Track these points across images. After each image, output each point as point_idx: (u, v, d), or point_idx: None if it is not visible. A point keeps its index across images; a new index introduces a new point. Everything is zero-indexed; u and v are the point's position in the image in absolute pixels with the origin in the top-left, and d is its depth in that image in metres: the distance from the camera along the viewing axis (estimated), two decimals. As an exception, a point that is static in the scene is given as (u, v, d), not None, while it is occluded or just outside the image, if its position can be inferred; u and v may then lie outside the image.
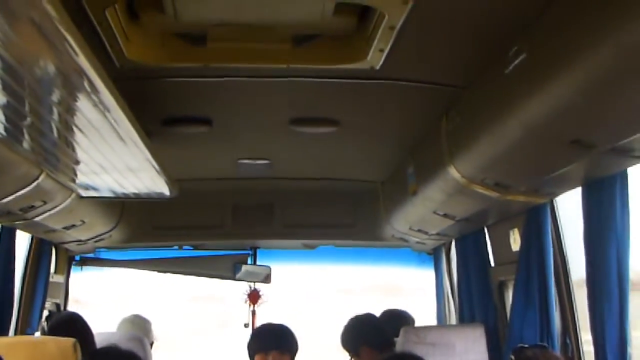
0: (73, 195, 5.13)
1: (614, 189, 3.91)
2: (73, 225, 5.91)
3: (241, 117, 4.78)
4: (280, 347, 5.66)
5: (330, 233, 7.44)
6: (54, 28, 2.48)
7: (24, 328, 6.24)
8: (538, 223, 4.82)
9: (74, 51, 2.68)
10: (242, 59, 3.80)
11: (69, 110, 3.37)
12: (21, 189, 4.42)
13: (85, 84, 3.01)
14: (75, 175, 4.64)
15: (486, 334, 5.67)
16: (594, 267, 4.06)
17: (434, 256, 7.65)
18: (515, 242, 5.32)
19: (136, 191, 5.22)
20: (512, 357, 4.40)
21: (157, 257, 7.88)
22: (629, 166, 3.79)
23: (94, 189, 5.09)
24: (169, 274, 8.05)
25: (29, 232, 6.08)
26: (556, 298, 4.86)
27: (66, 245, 7.02)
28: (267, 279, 7.91)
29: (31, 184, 4.42)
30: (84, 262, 7.68)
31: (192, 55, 3.77)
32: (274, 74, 4.00)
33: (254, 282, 7.92)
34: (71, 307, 7.66)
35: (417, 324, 7.07)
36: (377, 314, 6.64)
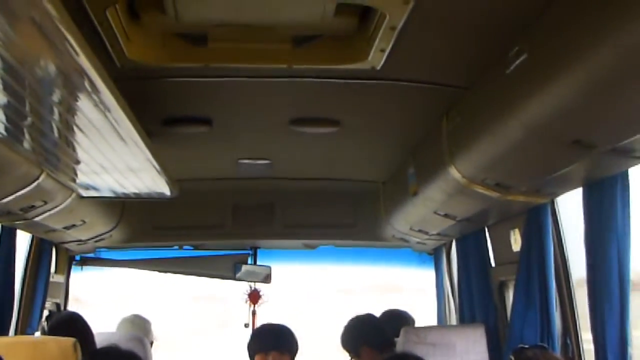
0: (73, 195, 5.13)
1: (615, 189, 3.91)
2: (73, 225, 5.91)
3: (242, 117, 4.78)
4: (280, 347, 5.66)
5: (331, 233, 7.44)
6: (55, 28, 2.48)
7: (24, 328, 6.24)
8: (539, 223, 4.81)
9: (75, 51, 2.68)
10: (242, 59, 3.80)
11: (69, 110, 3.37)
12: (21, 189, 4.42)
13: (86, 83, 3.01)
14: (76, 175, 4.64)
15: (486, 334, 5.67)
16: (594, 267, 4.06)
17: (435, 256, 7.65)
18: (516, 242, 5.32)
19: (137, 191, 5.21)
20: (512, 357, 4.40)
21: (157, 257, 7.88)
22: (630, 167, 3.79)
23: (95, 188, 5.08)
24: (169, 274, 8.05)
25: (29, 232, 6.08)
26: (557, 298, 4.86)
27: (66, 245, 7.02)
28: (267, 279, 7.90)
29: (32, 183, 4.42)
30: (84, 262, 7.68)
31: (192, 55, 3.77)
32: (275, 74, 4.00)
33: (254, 282, 7.91)
34: (71, 307, 7.66)
35: (417, 324, 7.06)
36: (377, 314, 6.63)
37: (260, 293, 7.91)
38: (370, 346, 5.82)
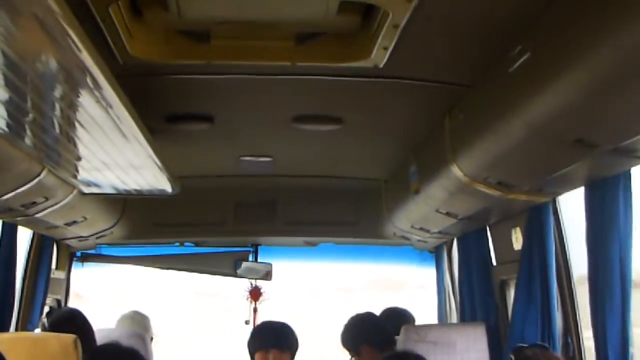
0: (75, 192, 5.12)
1: (617, 189, 3.92)
2: (74, 222, 5.91)
3: (244, 114, 4.78)
4: (281, 345, 5.67)
5: (332, 231, 7.44)
6: (57, 24, 2.47)
7: (25, 324, 6.24)
8: (540, 222, 4.81)
9: (77, 47, 2.67)
10: (245, 56, 3.80)
11: (71, 106, 3.36)
12: (23, 185, 4.42)
13: (88, 80, 3.01)
14: (77, 171, 4.64)
15: (487, 333, 5.66)
16: (596, 266, 4.06)
17: (436, 254, 7.65)
18: (517, 240, 5.31)
19: (138, 188, 5.21)
20: (512, 356, 4.40)
21: (158, 253, 7.87)
22: (632, 166, 3.79)
23: (96, 185, 5.08)
24: (170, 271, 8.05)
25: (30, 228, 6.07)
26: (558, 297, 4.85)
27: (67, 242, 7.02)
28: (267, 276, 7.90)
29: (33, 180, 4.42)
30: (85, 258, 7.67)
31: (195, 52, 3.77)
32: (277, 72, 4.00)
33: (255, 279, 7.91)
34: (72, 303, 7.66)
35: (417, 323, 7.06)
36: (378, 312, 6.63)
37: (262, 290, 7.91)
38: (370, 345, 5.81)
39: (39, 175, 4.42)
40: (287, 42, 3.77)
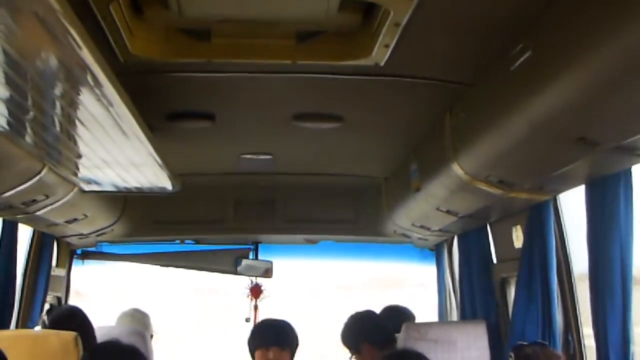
0: (75, 190, 5.13)
1: (618, 187, 3.92)
2: (75, 219, 5.91)
3: (244, 112, 4.78)
4: (281, 343, 5.67)
5: (332, 228, 7.44)
6: (58, 22, 2.47)
7: (25, 322, 6.24)
8: (541, 220, 4.82)
9: (78, 45, 2.67)
10: (246, 54, 3.79)
11: (72, 104, 3.36)
12: (23, 183, 4.42)
13: (89, 78, 3.00)
14: (78, 169, 4.64)
15: (488, 331, 5.67)
16: (597, 264, 4.06)
17: (436, 252, 7.65)
18: (518, 239, 5.31)
19: (139, 185, 5.21)
20: (512, 354, 4.40)
21: (158, 251, 7.88)
22: (634, 164, 3.80)
23: (97, 183, 5.08)
24: (170, 268, 8.06)
25: (31, 225, 6.07)
26: (558, 295, 4.86)
27: (68, 239, 7.02)
28: (267, 273, 7.90)
29: (33, 178, 4.42)
30: (86, 255, 7.68)
31: (196, 50, 3.76)
32: (278, 70, 3.99)
33: (255, 276, 7.91)
34: (72, 300, 7.67)
35: (418, 320, 7.06)
36: (378, 310, 6.63)
37: (262, 288, 7.91)
38: (371, 343, 5.82)
39: (39, 173, 4.42)
40: (287, 40, 3.76)
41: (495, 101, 3.67)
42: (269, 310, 7.77)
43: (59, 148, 4.13)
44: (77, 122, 3.61)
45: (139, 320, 6.89)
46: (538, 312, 4.86)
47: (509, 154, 3.86)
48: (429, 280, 7.93)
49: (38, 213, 5.18)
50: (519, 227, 5.28)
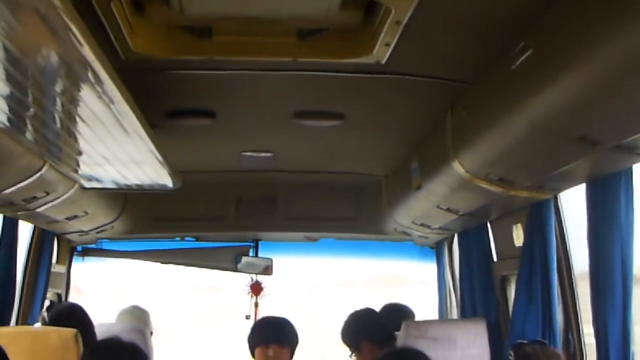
0: (76, 187, 5.12)
1: (619, 186, 3.92)
2: (75, 216, 5.91)
3: (245, 110, 4.78)
4: (281, 340, 5.69)
5: (333, 226, 7.44)
6: (59, 19, 2.47)
7: (26, 318, 6.25)
8: (541, 218, 4.82)
9: (79, 42, 2.67)
10: (247, 52, 3.79)
11: (72, 101, 3.36)
12: (24, 180, 4.42)
13: (90, 75, 3.00)
14: (78, 166, 4.64)
15: (488, 329, 5.67)
16: (597, 263, 4.06)
17: (436, 250, 7.65)
18: (518, 237, 5.31)
19: (139, 183, 5.21)
20: (511, 353, 4.40)
21: (159, 248, 7.88)
22: (634, 163, 3.80)
23: (97, 180, 5.08)
24: (170, 265, 8.05)
25: (31, 222, 6.08)
26: (559, 293, 4.86)
27: (68, 236, 7.02)
28: (267, 270, 7.90)
29: (34, 175, 4.42)
30: (86, 252, 7.68)
31: (197, 48, 3.76)
32: (279, 68, 3.99)
33: (255, 273, 7.91)
34: (72, 297, 7.67)
35: (417, 318, 7.06)
36: (378, 308, 6.64)
37: (262, 285, 7.91)
38: (371, 341, 5.83)
39: (40, 169, 4.42)
40: (289, 37, 3.76)
41: (496, 100, 3.66)
42: (269, 307, 7.78)
43: (59, 145, 4.13)
44: (77, 119, 3.61)
45: (138, 317, 6.89)
46: (538, 310, 4.86)
47: (509, 153, 3.86)
48: (429, 278, 7.94)
49: (38, 210, 5.18)
50: (519, 225, 5.28)
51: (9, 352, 3.78)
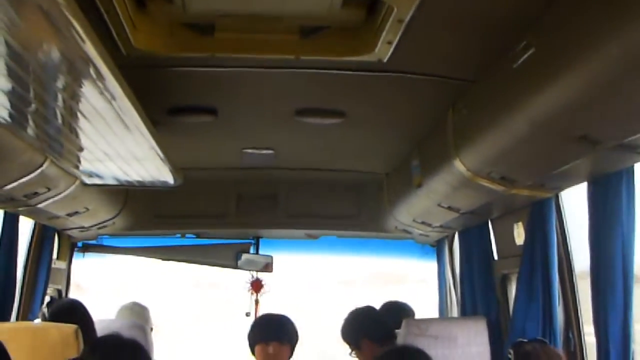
0: (77, 183, 5.13)
1: (620, 184, 3.92)
2: (76, 212, 5.91)
3: (247, 107, 4.78)
4: (281, 337, 5.70)
5: (334, 223, 7.44)
6: (61, 14, 2.47)
7: (26, 314, 6.25)
8: (543, 217, 4.82)
9: (81, 38, 2.67)
10: (249, 49, 3.79)
11: (74, 97, 3.36)
12: (25, 176, 4.42)
13: (92, 71, 3.00)
14: (80, 162, 4.64)
15: (488, 327, 5.67)
16: (598, 262, 4.06)
17: (437, 248, 7.65)
18: (519, 235, 5.31)
19: (140, 179, 5.21)
20: (511, 351, 4.39)
21: (159, 244, 7.88)
22: (636, 162, 3.80)
23: (98, 176, 5.09)
24: (171, 262, 8.06)
25: (32, 218, 6.08)
26: (559, 292, 4.86)
27: (69, 232, 7.02)
28: (267, 267, 7.91)
29: (35, 170, 4.42)
30: (87, 248, 7.68)
31: (199, 45, 3.76)
32: (281, 65, 3.99)
33: (255, 270, 7.92)
34: (72, 293, 7.67)
35: (418, 317, 7.06)
36: (378, 306, 6.64)
37: (263, 282, 7.91)
38: (371, 339, 5.83)
39: (41, 165, 4.42)
40: (291, 35, 3.76)
41: (498, 98, 3.66)
42: (269, 305, 7.78)
43: (61, 141, 4.13)
44: (79, 115, 3.61)
45: (138, 313, 6.90)
46: (539, 309, 4.86)
47: (511, 151, 3.85)
48: (429, 276, 7.94)
49: (40, 206, 5.18)
50: (520, 224, 5.28)
51: (9, 348, 3.78)
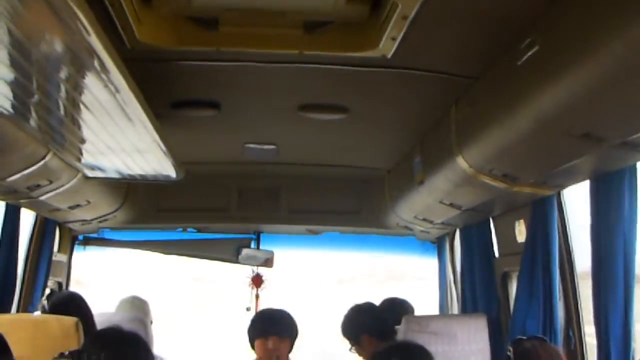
0: (79, 175, 5.13)
1: (623, 182, 3.91)
2: (78, 205, 5.92)
3: (250, 101, 4.78)
4: (280, 332, 5.70)
5: (335, 219, 7.45)
6: (66, 6, 2.47)
7: (26, 306, 6.25)
8: (544, 215, 4.81)
9: (86, 30, 2.67)
10: (253, 44, 3.79)
11: (77, 89, 3.37)
12: (28, 168, 4.42)
13: (96, 63, 3.00)
14: (82, 155, 4.65)
15: (488, 325, 5.67)
16: (600, 260, 4.06)
17: (438, 245, 7.65)
18: (521, 233, 5.31)
19: (142, 173, 5.22)
20: (510, 349, 4.39)
21: (160, 238, 7.88)
22: (638, 160, 3.79)
23: (100, 169, 5.09)
24: (171, 256, 8.06)
25: (33, 210, 6.08)
26: (560, 290, 4.86)
27: (70, 225, 7.03)
28: (268, 262, 7.91)
29: (38, 162, 4.42)
30: (87, 241, 7.68)
31: (203, 39, 3.75)
32: (285, 60, 3.99)
33: (256, 265, 7.92)
34: (72, 288, 7.67)
35: (417, 313, 7.07)
36: (378, 302, 6.64)
37: (263, 278, 7.92)
38: (371, 334, 5.83)
39: (44, 158, 4.42)
40: (295, 30, 3.76)
41: (501, 95, 3.66)
42: (269, 299, 7.79)
43: (63, 133, 4.13)
44: (82, 107, 3.62)
45: (138, 307, 6.90)
46: (539, 307, 4.86)
47: (513, 148, 3.85)
48: (430, 273, 7.94)
49: (41, 198, 5.18)
50: (521, 221, 5.28)
51: (10, 340, 3.79)
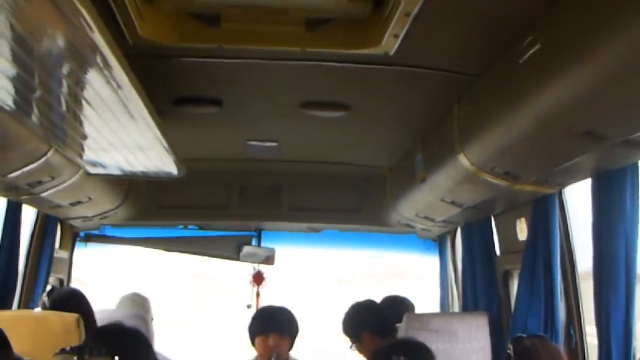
0: (81, 172, 5.13)
1: (625, 181, 3.91)
2: (79, 202, 5.92)
3: (252, 98, 4.77)
4: (281, 329, 5.71)
5: (336, 217, 7.44)
6: (69, 1, 2.47)
7: (28, 302, 6.25)
8: (546, 213, 4.81)
9: (88, 26, 2.67)
10: (255, 40, 3.79)
11: (79, 84, 3.37)
12: (29, 164, 4.42)
13: (98, 59, 3.00)
14: (84, 151, 4.65)
15: (489, 323, 5.67)
16: (601, 259, 4.06)
17: (439, 243, 7.65)
18: (522, 231, 5.31)
19: (144, 170, 5.21)
20: (511, 347, 4.39)
21: (161, 235, 7.88)
22: (640, 159, 3.79)
23: (102, 166, 5.09)
24: (172, 253, 8.07)
25: (35, 207, 6.08)
26: (561, 288, 4.85)
27: (71, 221, 7.02)
28: (268, 260, 7.91)
29: (39, 159, 4.42)
30: (89, 238, 7.68)
31: (206, 35, 3.76)
32: (287, 57, 3.99)
33: (257, 263, 7.92)
34: (72, 285, 7.67)
35: (417, 311, 7.07)
36: (379, 300, 6.64)
37: (264, 275, 7.92)
38: (372, 332, 5.83)
39: (45, 154, 4.42)
40: (297, 27, 3.76)
41: (503, 93, 3.66)
42: (270, 297, 7.78)
43: (65, 129, 4.13)
44: (84, 103, 3.61)
45: (139, 304, 6.91)
46: (541, 305, 4.86)
47: (515, 146, 3.85)
48: (431, 271, 7.94)
49: (43, 194, 5.18)
50: (523, 219, 5.28)
51: (11, 336, 3.79)
